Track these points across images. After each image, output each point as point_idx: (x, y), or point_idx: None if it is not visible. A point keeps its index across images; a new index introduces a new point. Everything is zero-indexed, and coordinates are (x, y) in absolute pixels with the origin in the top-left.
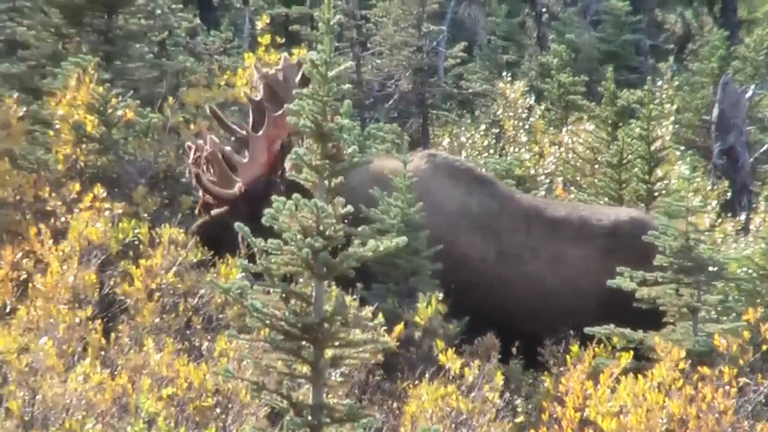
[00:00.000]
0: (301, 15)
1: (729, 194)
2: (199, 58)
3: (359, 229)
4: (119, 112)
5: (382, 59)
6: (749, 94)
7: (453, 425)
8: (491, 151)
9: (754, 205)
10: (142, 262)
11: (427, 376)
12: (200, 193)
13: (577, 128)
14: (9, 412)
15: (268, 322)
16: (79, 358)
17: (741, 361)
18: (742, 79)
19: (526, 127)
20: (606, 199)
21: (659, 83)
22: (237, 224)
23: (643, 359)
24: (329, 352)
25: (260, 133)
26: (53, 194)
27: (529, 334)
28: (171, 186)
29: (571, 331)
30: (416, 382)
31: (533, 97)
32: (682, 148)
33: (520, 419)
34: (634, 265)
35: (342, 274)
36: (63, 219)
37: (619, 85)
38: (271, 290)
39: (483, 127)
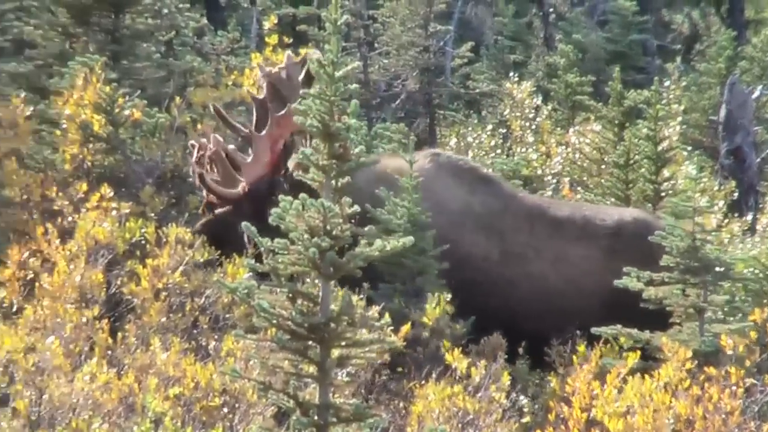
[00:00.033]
0: (308, 15)
1: (736, 194)
2: (206, 58)
3: (366, 228)
4: (126, 112)
5: (389, 59)
6: (756, 94)
7: (459, 425)
8: (498, 151)
9: (761, 206)
10: (149, 261)
11: (433, 376)
12: (204, 192)
13: (584, 128)
14: (16, 412)
15: (274, 321)
16: (86, 357)
17: (748, 362)
18: (750, 80)
19: (533, 127)
20: (613, 199)
21: (666, 83)
22: (244, 224)
23: (649, 359)
24: (336, 352)
25: (263, 132)
26: (60, 194)
27: (534, 334)
28: (178, 186)
29: (578, 331)
30: (423, 382)
31: (540, 98)
32: (689, 148)
33: (526, 419)
34: (637, 266)
35: (349, 274)
36: (70, 218)
37: (626, 85)
38: (278, 290)
39: (490, 127)
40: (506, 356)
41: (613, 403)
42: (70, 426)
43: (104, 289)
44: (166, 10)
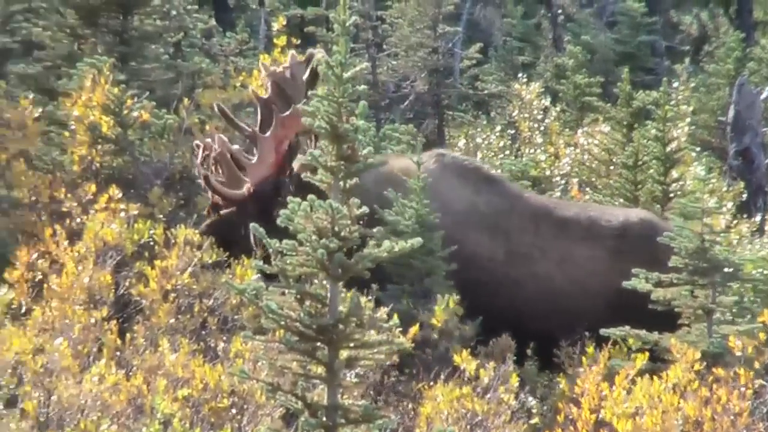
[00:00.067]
0: (316, 16)
1: (744, 195)
2: (214, 60)
3: (374, 230)
4: (135, 113)
5: (397, 60)
6: (765, 95)
7: (468, 427)
8: (507, 152)
9: None
10: (157, 262)
11: (442, 377)
12: (209, 193)
13: (592, 129)
14: (24, 413)
15: (283, 323)
16: (95, 358)
17: (756, 363)
18: (758, 81)
19: (542, 128)
20: (621, 200)
21: (675, 84)
22: (252, 225)
23: (658, 360)
24: (344, 353)
25: (268, 133)
26: (69, 195)
27: (540, 334)
28: (186, 187)
29: (586, 333)
30: (431, 383)
31: (549, 99)
32: (698, 149)
33: (535, 421)
34: (642, 266)
35: (357, 275)
36: (78, 220)
37: (635, 86)
38: (286, 291)
39: (498, 128)
40: (515, 358)
41: (622, 405)
42: (79, 427)
43: (113, 291)
44: (174, 12)
